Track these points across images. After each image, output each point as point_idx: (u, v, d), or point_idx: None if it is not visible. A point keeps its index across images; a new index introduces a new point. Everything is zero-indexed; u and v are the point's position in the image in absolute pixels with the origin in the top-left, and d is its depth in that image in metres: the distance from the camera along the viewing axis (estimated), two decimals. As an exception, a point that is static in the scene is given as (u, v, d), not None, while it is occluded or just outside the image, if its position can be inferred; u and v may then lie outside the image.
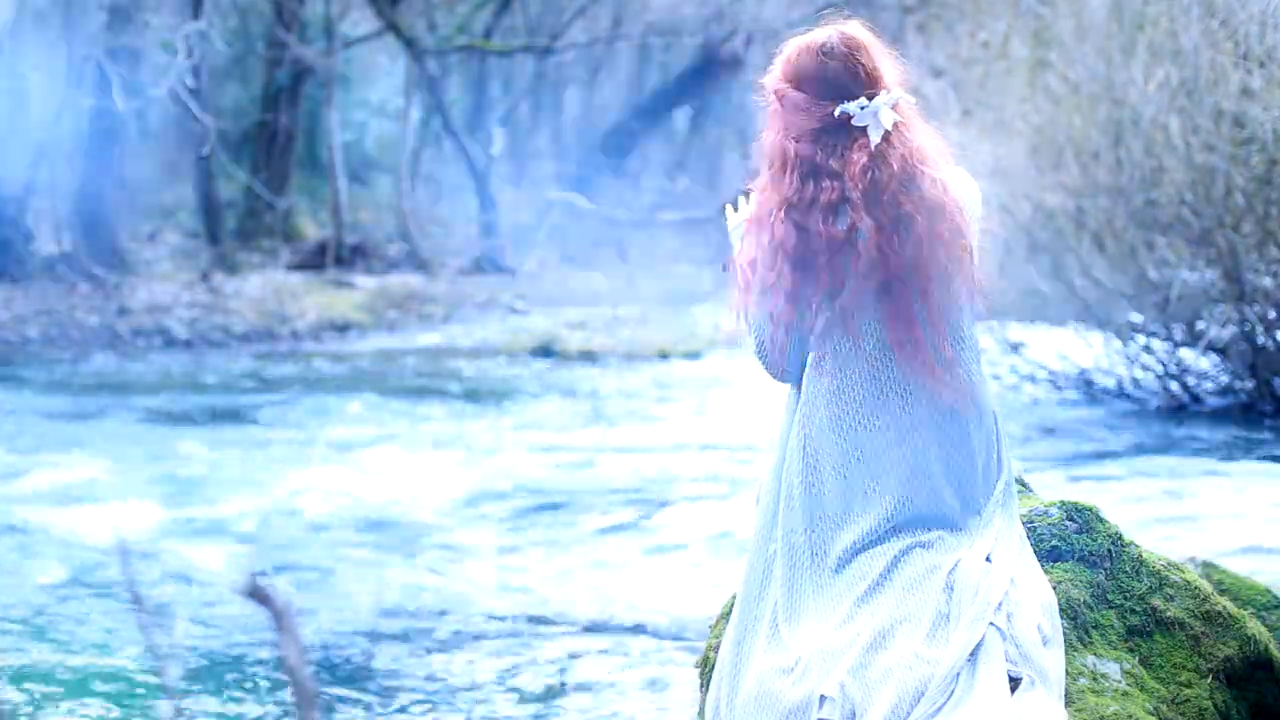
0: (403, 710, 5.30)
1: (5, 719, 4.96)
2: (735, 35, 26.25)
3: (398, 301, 20.31)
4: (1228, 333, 10.92)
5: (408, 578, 7.09)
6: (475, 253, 24.37)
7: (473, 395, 13.41)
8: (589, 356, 15.90)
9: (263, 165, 23.94)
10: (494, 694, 5.47)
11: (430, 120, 26.15)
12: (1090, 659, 3.66)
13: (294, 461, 9.84)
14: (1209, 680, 3.77)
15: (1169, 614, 3.80)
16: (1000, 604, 3.38)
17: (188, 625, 6.04)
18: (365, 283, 21.23)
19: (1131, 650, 3.74)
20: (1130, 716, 3.54)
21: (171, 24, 18.63)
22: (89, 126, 20.16)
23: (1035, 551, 3.72)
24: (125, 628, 6.11)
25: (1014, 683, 3.33)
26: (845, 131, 3.53)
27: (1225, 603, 3.91)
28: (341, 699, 5.42)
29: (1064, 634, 3.59)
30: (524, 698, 5.43)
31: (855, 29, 3.58)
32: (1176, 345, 11.25)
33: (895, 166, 3.50)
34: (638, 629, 6.27)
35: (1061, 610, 3.65)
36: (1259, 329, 10.76)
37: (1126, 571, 3.83)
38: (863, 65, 3.54)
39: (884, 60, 3.58)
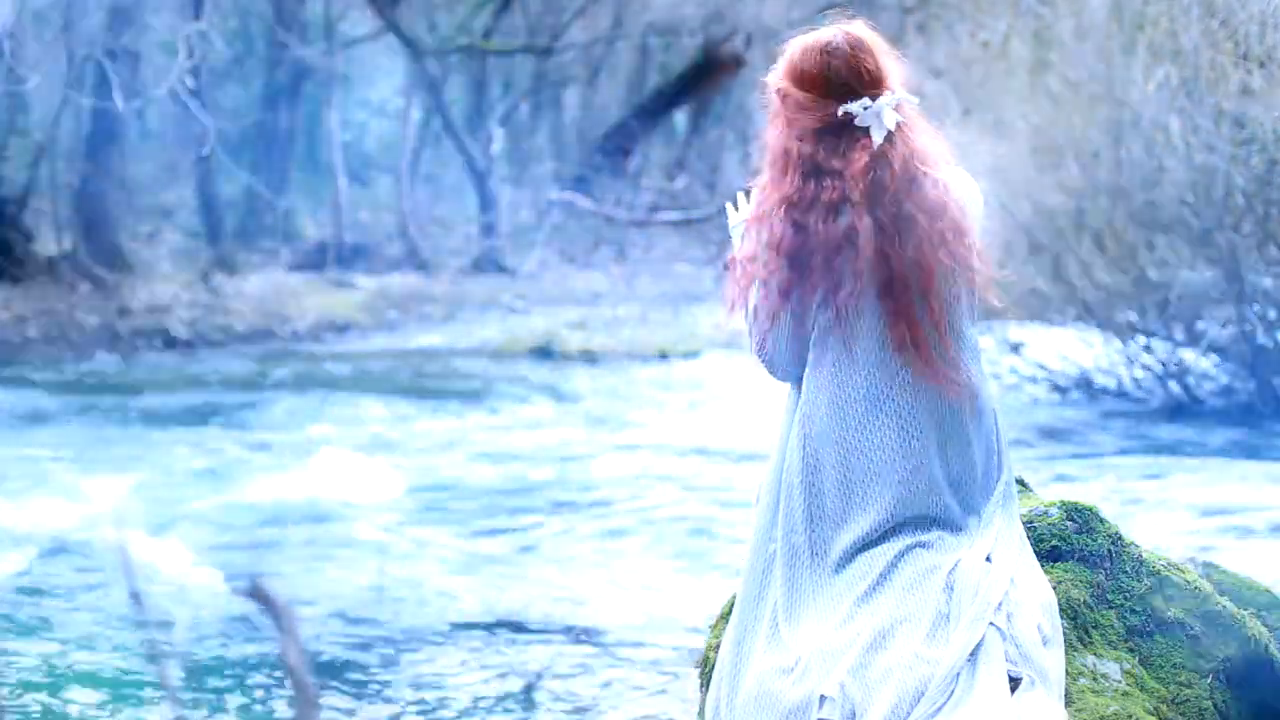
0: (397, 717, 5.30)
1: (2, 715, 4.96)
2: (735, 35, 26.23)
3: (398, 301, 20.31)
4: (1228, 333, 10.92)
5: (392, 578, 7.08)
6: (475, 253, 24.37)
7: (470, 395, 13.40)
8: (589, 356, 15.90)
9: (263, 165, 23.94)
10: (489, 695, 5.47)
11: (430, 120, 26.15)
12: (1090, 659, 3.66)
13: (264, 461, 9.83)
14: (1209, 680, 3.76)
15: (1169, 614, 3.80)
16: (1000, 604, 3.38)
17: (161, 623, 6.04)
18: (365, 283, 21.23)
19: (1131, 650, 3.74)
20: (1130, 716, 3.54)
21: (171, 24, 18.62)
22: (89, 126, 20.16)
23: (1035, 551, 3.72)
24: (91, 625, 6.11)
25: (1014, 683, 3.32)
26: (848, 131, 3.54)
27: (1225, 603, 3.91)
28: (334, 704, 5.42)
29: (1064, 634, 3.59)
30: (522, 698, 5.43)
31: (859, 29, 3.58)
32: (1176, 345, 11.25)
33: (897, 167, 3.50)
34: (637, 629, 6.27)
35: (1061, 610, 3.65)
36: (1259, 329, 10.76)
37: (1126, 571, 3.83)
38: (866, 65, 3.54)
39: (887, 61, 3.58)
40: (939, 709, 3.25)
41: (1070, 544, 3.83)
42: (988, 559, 3.48)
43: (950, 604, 3.40)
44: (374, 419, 12.00)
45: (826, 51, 3.55)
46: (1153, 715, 3.61)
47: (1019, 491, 3.97)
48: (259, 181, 22.96)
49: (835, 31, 3.57)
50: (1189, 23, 10.10)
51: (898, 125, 3.53)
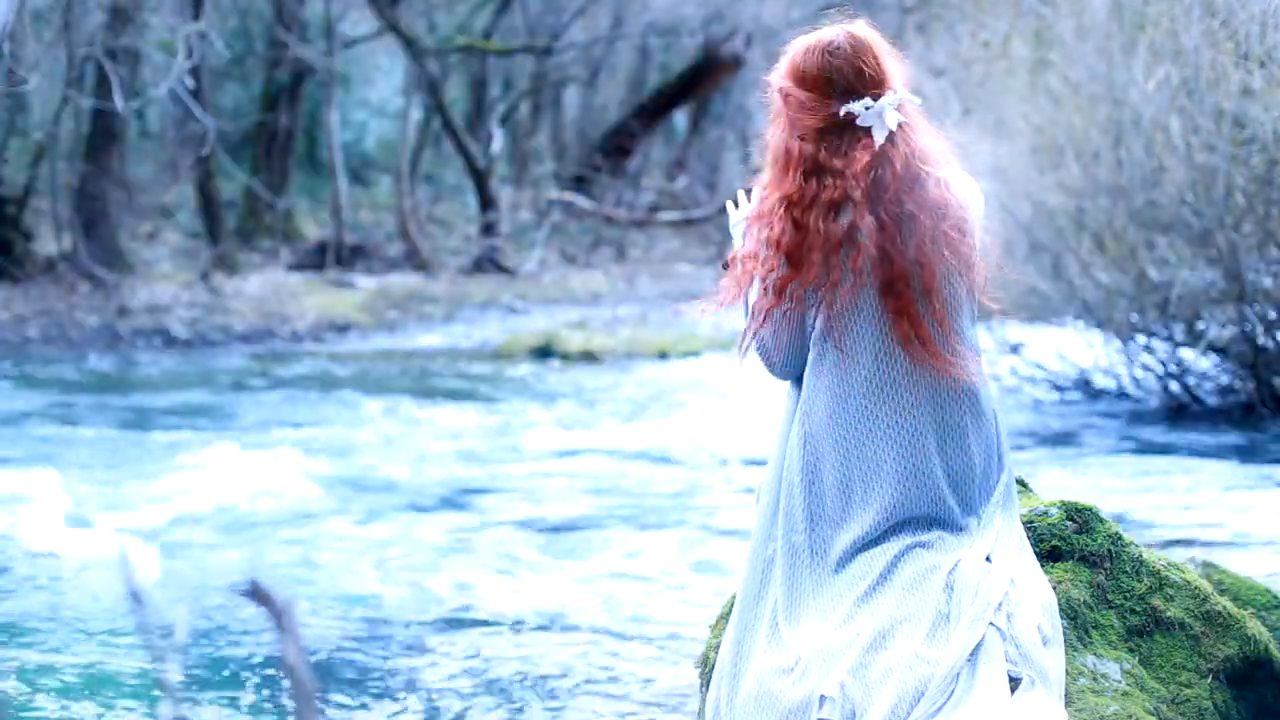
0: (397, 716, 5.30)
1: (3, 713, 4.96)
2: (735, 35, 26.24)
3: (398, 301, 20.31)
4: (1228, 333, 10.92)
5: (391, 578, 7.09)
6: (475, 253, 24.38)
7: (468, 395, 13.40)
8: (589, 356, 15.90)
9: (263, 165, 23.95)
10: (483, 694, 5.47)
11: (430, 120, 26.15)
12: (1090, 659, 3.66)
13: (236, 455, 9.83)
14: (1209, 680, 3.76)
15: (1169, 614, 3.80)
16: (1000, 604, 3.38)
17: (187, 625, 6.04)
18: (365, 283, 21.23)
19: (1131, 650, 3.74)
20: (1130, 716, 3.54)
21: (171, 24, 18.62)
22: (89, 126, 20.17)
23: (1035, 551, 3.72)
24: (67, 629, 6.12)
25: (1014, 683, 3.32)
26: (849, 131, 3.54)
27: (1225, 603, 3.91)
28: (340, 703, 5.42)
29: (1064, 634, 3.59)
30: (521, 698, 5.43)
31: (861, 29, 3.58)
32: (1176, 345, 11.24)
33: (899, 166, 3.51)
34: (637, 629, 6.27)
35: (1061, 610, 3.65)
36: (1259, 329, 10.76)
37: (1126, 571, 3.83)
38: (868, 65, 3.54)
39: (889, 60, 3.58)
40: (939, 709, 3.25)
41: (1070, 544, 3.83)
42: (988, 559, 3.48)
43: (950, 604, 3.40)
44: (360, 418, 12.01)
45: (828, 51, 3.55)
46: (1153, 715, 3.61)
47: (1019, 491, 3.97)
48: (259, 181, 22.96)
49: (837, 31, 3.57)
50: (1189, 23, 10.10)
51: (900, 125, 3.53)
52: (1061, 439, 10.49)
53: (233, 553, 7.57)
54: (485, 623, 6.37)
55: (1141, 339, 11.39)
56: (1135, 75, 10.61)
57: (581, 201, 26.15)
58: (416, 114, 26.04)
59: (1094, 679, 3.62)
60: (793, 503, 3.58)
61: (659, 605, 6.63)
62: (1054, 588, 3.66)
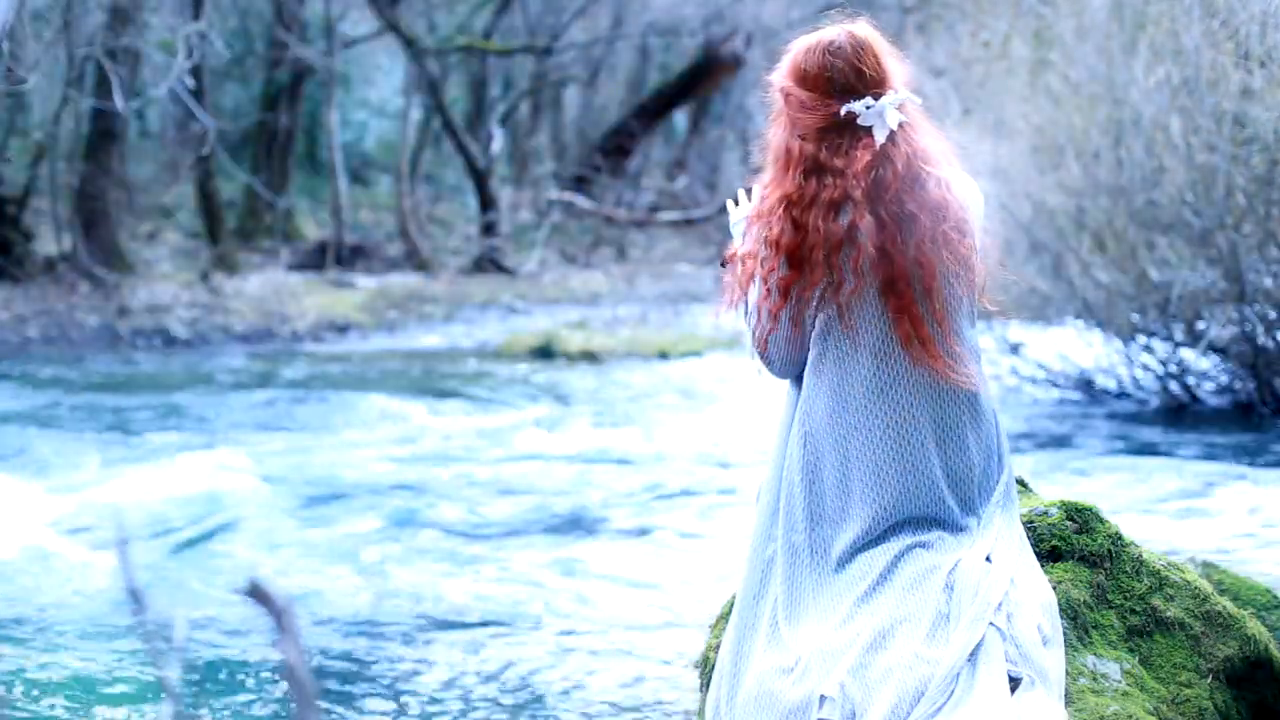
0: (397, 714, 5.30)
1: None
2: (735, 35, 26.24)
3: (398, 301, 20.31)
4: (1228, 333, 10.92)
5: (389, 578, 7.09)
6: (475, 253, 24.38)
7: (467, 395, 13.40)
8: (589, 356, 15.90)
9: (263, 165, 23.96)
10: (486, 695, 5.47)
11: (430, 120, 26.15)
12: (1090, 659, 3.66)
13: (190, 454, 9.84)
14: (1209, 680, 3.76)
15: (1169, 614, 3.80)
16: (1000, 604, 3.38)
17: (185, 627, 6.04)
18: (365, 283, 21.24)
19: (1131, 650, 3.74)
20: (1130, 716, 3.54)
21: (171, 24, 18.62)
22: (89, 126, 20.18)
23: (1035, 551, 3.72)
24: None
25: (1014, 683, 3.32)
26: (850, 130, 3.54)
27: (1225, 603, 3.91)
28: (340, 698, 5.42)
29: (1064, 634, 3.59)
30: (520, 699, 5.43)
31: (862, 28, 3.58)
32: (1177, 345, 11.24)
33: (899, 166, 3.51)
34: (637, 629, 6.27)
35: (1061, 610, 3.65)
36: (1259, 329, 10.76)
37: (1126, 571, 3.83)
38: (869, 65, 3.54)
39: (890, 60, 3.58)
40: (939, 709, 3.25)
41: (1070, 544, 3.83)
42: (988, 559, 3.48)
43: (950, 604, 3.40)
44: (351, 418, 12.01)
45: (830, 51, 3.55)
46: (1153, 715, 3.60)
47: (1019, 491, 3.97)
48: (259, 181, 22.97)
49: (838, 31, 3.57)
50: (1190, 23, 10.10)
51: (901, 125, 3.53)
52: (1062, 439, 10.49)
53: (217, 557, 7.57)
54: (484, 623, 6.36)
55: (1141, 339, 11.39)
56: (1135, 75, 10.61)
57: (581, 201, 26.16)
58: (416, 114, 26.05)
59: (1094, 679, 3.62)
60: (793, 502, 3.58)
61: (658, 605, 6.63)
62: (1054, 588, 3.66)
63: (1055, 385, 11.97)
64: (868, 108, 3.53)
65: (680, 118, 31.34)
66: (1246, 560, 6.47)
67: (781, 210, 3.54)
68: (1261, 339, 10.79)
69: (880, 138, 3.52)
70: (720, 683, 3.56)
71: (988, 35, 12.93)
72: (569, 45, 27.50)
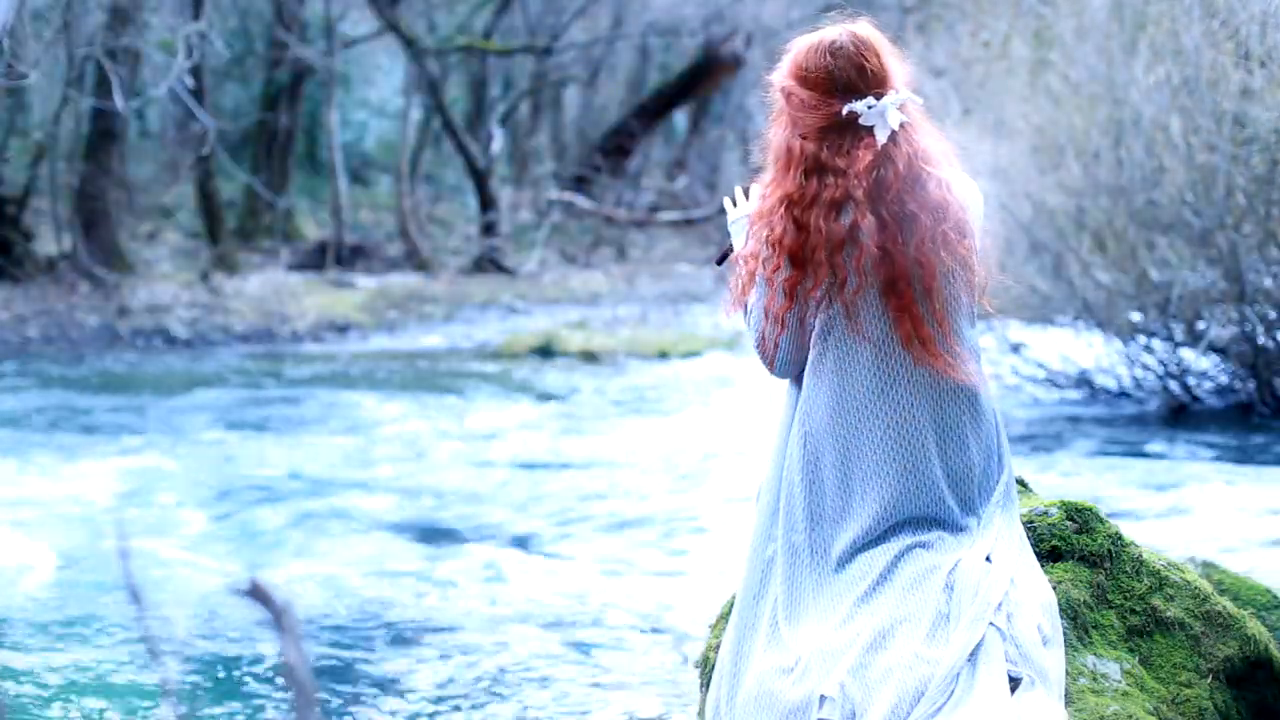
0: (395, 714, 5.30)
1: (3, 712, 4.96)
2: (735, 35, 26.25)
3: (398, 301, 20.31)
4: (1228, 333, 10.92)
5: (387, 578, 7.09)
6: (475, 253, 24.38)
7: (466, 395, 13.40)
8: (589, 356, 15.90)
9: (263, 165, 23.96)
10: (485, 695, 5.47)
11: (430, 120, 26.15)
12: (1090, 659, 3.66)
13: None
14: (1209, 680, 3.76)
15: (1169, 614, 3.80)
16: (1000, 604, 3.38)
17: (185, 625, 6.04)
18: (365, 283, 21.24)
19: (1131, 650, 3.73)
20: (1130, 716, 3.54)
21: (171, 24, 18.62)
22: (89, 126, 20.18)
23: (1035, 551, 3.72)
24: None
25: (1014, 683, 3.32)
26: (851, 130, 3.54)
27: (1225, 603, 3.91)
28: (343, 700, 5.42)
29: (1064, 634, 3.59)
30: (519, 698, 5.43)
31: (864, 28, 3.58)
32: (1177, 345, 11.24)
33: (900, 166, 3.50)
34: (636, 629, 6.27)
35: (1061, 610, 3.65)
36: (1259, 329, 10.76)
37: (1126, 571, 3.83)
38: (870, 65, 3.54)
39: (892, 60, 3.58)
40: (939, 709, 3.25)
41: (1070, 544, 3.83)
42: (988, 559, 3.48)
43: (950, 604, 3.40)
44: (342, 417, 12.01)
45: (831, 51, 3.55)
46: (1153, 715, 3.60)
47: (1019, 491, 3.97)
48: (259, 181, 22.97)
49: (840, 31, 3.57)
50: (1190, 23, 10.10)
51: (902, 125, 3.53)
52: (1062, 439, 10.49)
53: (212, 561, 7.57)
54: (483, 623, 6.36)
55: (1141, 339, 11.39)
56: (1135, 75, 10.61)
57: (581, 201, 26.16)
58: (416, 114, 26.05)
59: (1094, 679, 3.62)
60: (793, 502, 3.57)
61: (658, 605, 6.63)
62: (1054, 588, 3.66)
63: (1055, 385, 11.97)
64: (869, 107, 3.53)
65: (680, 118, 31.35)
66: (1246, 560, 6.47)
67: (783, 210, 3.54)
68: (1261, 339, 10.79)
69: (882, 138, 3.52)
70: (720, 683, 3.56)
71: (988, 35, 12.93)
72: (569, 45, 27.50)
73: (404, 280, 21.97)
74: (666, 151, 31.74)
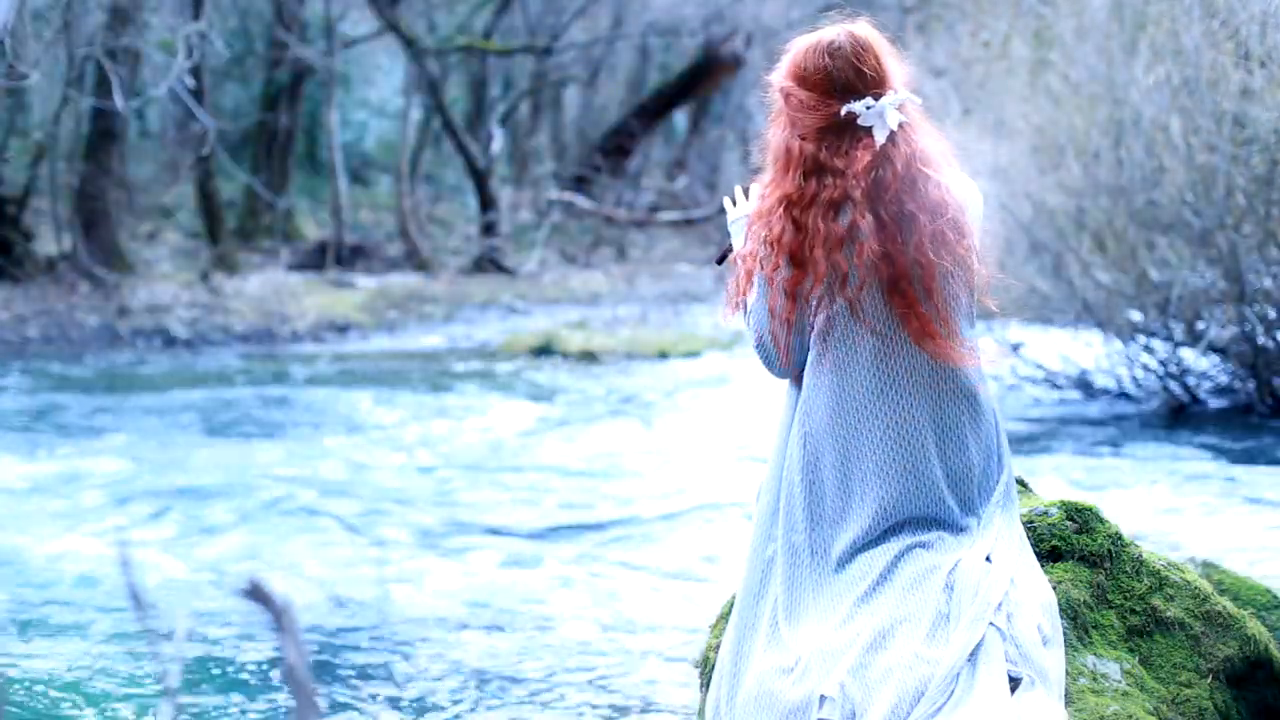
0: (392, 714, 5.30)
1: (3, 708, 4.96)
2: (735, 35, 26.25)
3: (398, 301, 20.31)
4: (1228, 333, 10.92)
5: (386, 579, 7.09)
6: (475, 253, 24.39)
7: (466, 395, 13.41)
8: (589, 356, 15.90)
9: (263, 165, 23.96)
10: (483, 695, 5.47)
11: (430, 120, 26.16)
12: (1090, 659, 3.66)
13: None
14: (1209, 680, 3.76)
15: (1169, 614, 3.80)
16: (1000, 604, 3.38)
17: (187, 627, 6.04)
18: (365, 283, 21.24)
19: (1131, 650, 3.73)
20: (1130, 716, 3.54)
21: (171, 24, 18.62)
22: (89, 126, 20.18)
23: (1035, 551, 3.72)
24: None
25: (1014, 683, 3.32)
26: (850, 130, 3.54)
27: (1225, 603, 3.91)
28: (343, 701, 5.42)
29: (1064, 634, 3.59)
30: (519, 698, 5.43)
31: (863, 29, 3.58)
32: (1176, 345, 11.24)
33: (899, 166, 3.50)
34: (636, 629, 6.27)
35: (1061, 610, 3.65)
36: (1259, 329, 10.75)
37: (1126, 571, 3.83)
38: (869, 65, 3.54)
39: (891, 60, 3.58)
40: (939, 709, 3.25)
41: (1070, 544, 3.83)
42: (988, 559, 3.48)
43: (950, 604, 3.40)
44: (334, 417, 12.01)
45: (830, 51, 3.55)
46: (1153, 715, 3.60)
47: (1019, 491, 3.97)
48: (259, 181, 22.97)
49: (839, 31, 3.57)
50: (1190, 23, 10.10)
51: (901, 125, 3.53)
52: (1062, 439, 10.49)
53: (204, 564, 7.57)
54: (482, 624, 6.36)
55: (1141, 339, 11.39)
56: (1135, 75, 10.61)
57: (581, 201, 26.16)
58: (416, 114, 26.05)
59: (1094, 679, 3.62)
60: (793, 502, 3.58)
61: (657, 605, 6.62)
62: (1054, 588, 3.66)
63: (1055, 385, 11.97)
64: (868, 108, 3.53)
65: (680, 118, 31.35)
66: (1246, 560, 6.47)
67: (782, 210, 3.54)
68: (1261, 339, 10.79)
69: (880, 138, 3.52)
70: (720, 683, 3.56)
71: (988, 35, 12.93)
72: (569, 45, 27.51)
73: (404, 280, 21.97)
74: (666, 151, 31.74)
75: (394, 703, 5.36)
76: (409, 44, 23.74)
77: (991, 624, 3.35)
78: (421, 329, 19.09)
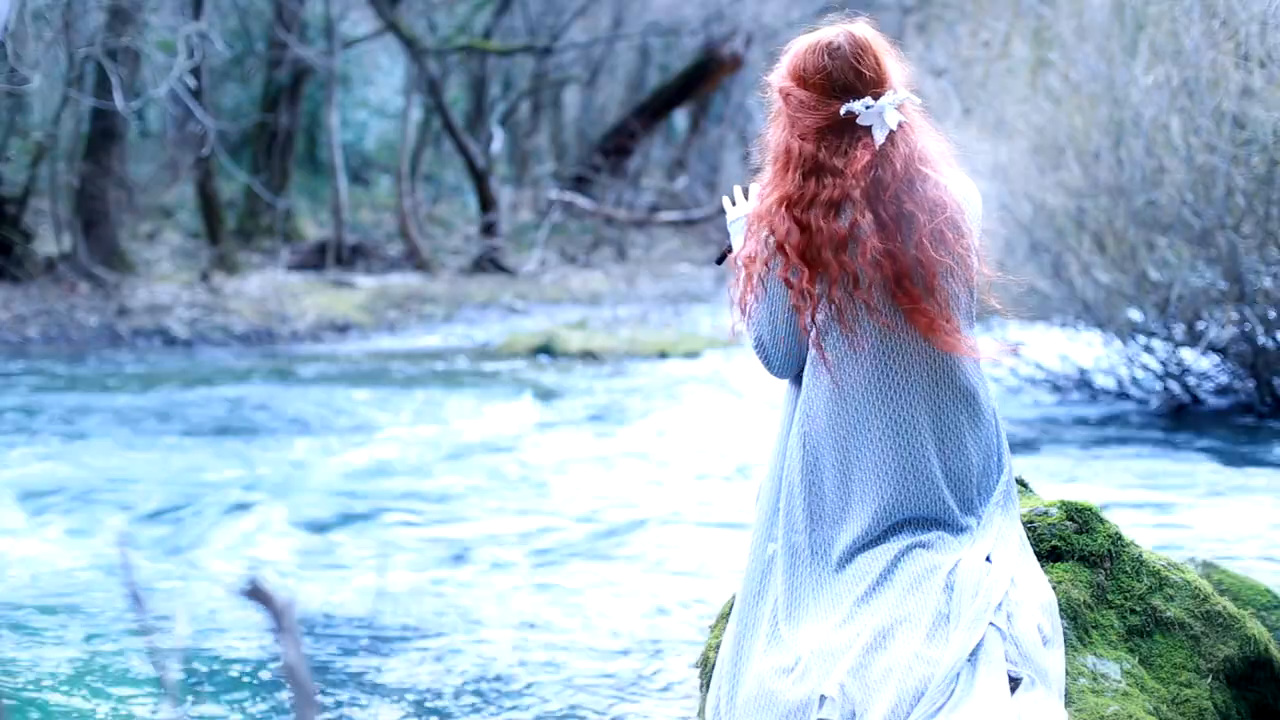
0: (391, 715, 5.30)
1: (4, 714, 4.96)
2: (735, 35, 26.25)
3: (398, 301, 20.31)
4: (1228, 333, 10.92)
5: (385, 579, 7.09)
6: (475, 253, 24.39)
7: (465, 395, 13.41)
8: (589, 356, 15.90)
9: (263, 165, 23.96)
10: (482, 696, 5.47)
11: (430, 120, 26.15)
12: (1090, 659, 3.66)
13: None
14: (1209, 680, 3.76)
15: (1169, 614, 3.80)
16: (1000, 604, 3.38)
17: (187, 625, 6.04)
18: (365, 283, 21.24)
19: (1131, 650, 3.73)
20: (1130, 716, 3.54)
21: (171, 24, 18.63)
22: (89, 126, 20.18)
23: (1035, 551, 3.72)
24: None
25: (1014, 683, 3.32)
26: (850, 130, 3.54)
27: (1225, 603, 3.91)
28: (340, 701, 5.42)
29: (1064, 634, 3.59)
30: (519, 698, 5.43)
31: (862, 28, 3.58)
32: (1176, 345, 11.24)
33: (898, 166, 3.51)
34: (635, 629, 6.27)
35: (1061, 610, 3.65)
36: (1259, 329, 10.75)
37: (1126, 571, 3.83)
38: (868, 65, 3.54)
39: (890, 60, 3.58)
40: (939, 709, 3.25)
41: (1070, 544, 3.83)
42: (988, 559, 3.48)
43: (950, 604, 3.40)
44: (330, 416, 12.01)
45: (829, 51, 3.55)
46: (1153, 715, 3.60)
47: (1019, 491, 3.97)
48: (259, 181, 22.97)
49: (838, 31, 3.57)
50: (1190, 23, 10.10)
51: (900, 125, 3.53)
52: (1061, 439, 10.49)
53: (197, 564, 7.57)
54: (481, 624, 6.36)
55: (1141, 339, 11.39)
56: (1135, 75, 10.61)
57: (581, 201, 26.16)
58: (416, 114, 26.06)
59: (1094, 679, 3.62)
60: (793, 503, 3.58)
61: (657, 605, 6.62)
62: (1054, 588, 3.66)
63: (1055, 385, 11.97)
64: (867, 108, 3.53)
65: (680, 118, 31.35)
66: (1247, 560, 6.47)
67: (782, 211, 3.55)
68: (1261, 339, 10.79)
69: (879, 138, 3.52)
70: (720, 683, 3.56)
71: (988, 35, 12.93)
72: (569, 45, 27.51)
73: (404, 280, 21.97)
74: (666, 151, 31.74)
75: (394, 703, 5.36)
76: (409, 44, 23.74)
77: (991, 624, 3.35)
78: (421, 329, 19.09)
